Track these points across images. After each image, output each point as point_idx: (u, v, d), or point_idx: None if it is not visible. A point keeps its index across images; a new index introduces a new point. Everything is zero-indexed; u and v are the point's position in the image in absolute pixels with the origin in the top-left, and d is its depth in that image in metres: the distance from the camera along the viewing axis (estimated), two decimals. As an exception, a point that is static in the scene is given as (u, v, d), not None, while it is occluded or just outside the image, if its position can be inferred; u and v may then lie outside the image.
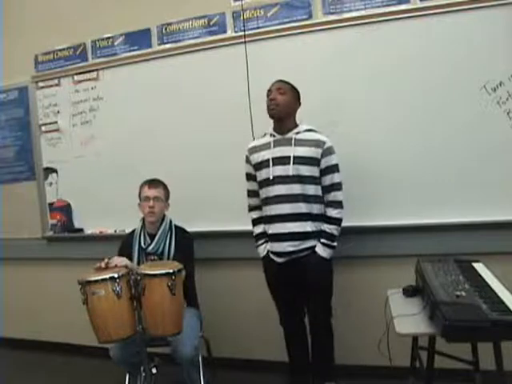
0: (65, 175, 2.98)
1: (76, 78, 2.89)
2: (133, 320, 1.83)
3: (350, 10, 2.29)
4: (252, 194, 2.18)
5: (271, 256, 2.08)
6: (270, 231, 2.07)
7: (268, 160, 2.03)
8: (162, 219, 2.24)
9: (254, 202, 2.18)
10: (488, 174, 2.13)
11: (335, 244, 2.03)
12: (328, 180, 2.02)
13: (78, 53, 2.89)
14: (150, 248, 2.19)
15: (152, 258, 2.20)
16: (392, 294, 1.79)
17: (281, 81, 2.06)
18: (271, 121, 2.08)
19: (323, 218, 2.03)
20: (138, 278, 1.83)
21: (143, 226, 2.26)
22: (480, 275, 1.68)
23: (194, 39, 2.59)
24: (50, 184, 3.03)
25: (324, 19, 2.33)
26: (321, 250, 2.00)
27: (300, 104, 2.08)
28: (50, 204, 3.03)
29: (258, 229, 2.16)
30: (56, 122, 2.96)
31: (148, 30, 2.70)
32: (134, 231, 2.29)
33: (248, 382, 2.51)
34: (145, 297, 1.81)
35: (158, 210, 2.19)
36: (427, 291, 1.55)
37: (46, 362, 2.99)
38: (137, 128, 2.72)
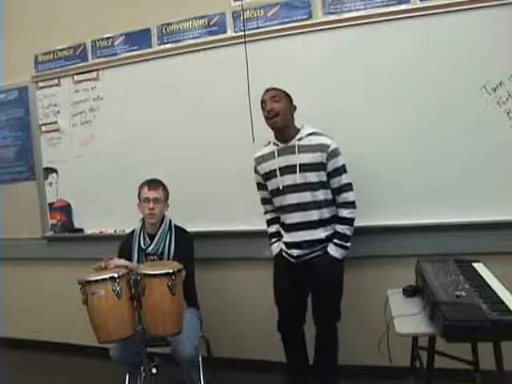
0: (65, 175, 2.98)
1: (76, 77, 2.89)
2: (133, 320, 1.83)
3: (350, 10, 2.29)
4: (265, 201, 2.18)
5: (284, 254, 2.07)
6: (284, 239, 2.07)
7: (275, 170, 2.02)
8: (162, 219, 2.24)
9: (268, 207, 2.18)
10: (488, 174, 2.13)
11: (348, 244, 2.02)
12: (336, 183, 2.00)
13: (78, 53, 2.89)
14: (150, 248, 2.19)
15: (152, 258, 2.20)
16: (392, 294, 1.79)
17: (272, 89, 2.01)
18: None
19: (335, 219, 2.02)
20: (138, 277, 1.84)
21: (143, 227, 2.26)
22: (480, 275, 1.68)
23: (194, 39, 2.59)
24: (50, 184, 3.03)
25: (324, 19, 2.33)
26: (333, 251, 1.99)
27: (295, 107, 2.06)
28: (50, 204, 3.03)
29: (272, 228, 2.16)
30: (56, 122, 2.96)
31: (148, 30, 2.70)
32: (133, 231, 2.29)
33: (248, 382, 2.51)
34: (145, 297, 1.81)
35: (157, 211, 2.19)
36: (427, 291, 1.55)
37: (45, 362, 2.99)
38: (137, 128, 2.72)
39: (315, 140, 2.00)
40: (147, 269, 1.87)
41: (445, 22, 2.14)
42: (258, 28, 2.44)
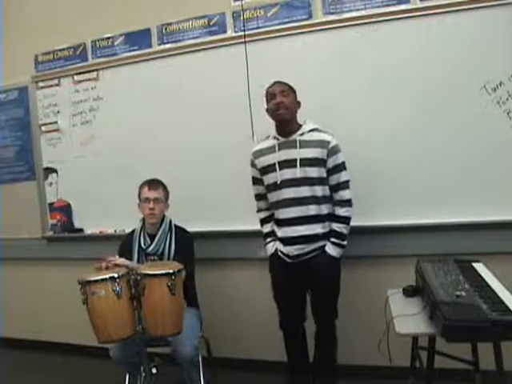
0: (65, 175, 2.98)
1: (76, 77, 2.88)
2: (133, 320, 1.83)
3: (350, 10, 2.29)
4: (259, 197, 2.17)
5: (280, 254, 2.07)
6: (279, 234, 2.06)
7: (274, 164, 2.02)
8: (162, 219, 2.24)
9: (262, 204, 2.17)
10: (488, 174, 2.13)
11: (345, 243, 2.02)
12: (335, 179, 2.01)
13: (78, 53, 2.89)
14: (150, 248, 2.19)
15: (152, 258, 2.20)
16: (392, 294, 1.79)
17: (280, 82, 2.03)
18: (272, 122, 2.07)
19: (332, 217, 2.03)
20: (138, 277, 1.84)
21: (143, 227, 2.26)
22: (480, 275, 1.68)
23: (194, 39, 2.59)
24: (50, 184, 3.03)
25: (324, 19, 2.33)
26: (331, 250, 2.00)
27: (300, 103, 2.07)
28: (50, 204, 3.03)
29: (266, 228, 2.15)
30: (56, 122, 2.96)
31: (148, 30, 2.70)
32: (133, 231, 2.29)
33: (248, 382, 2.51)
34: (145, 297, 1.81)
35: (158, 211, 2.19)
36: (427, 291, 1.56)
37: (45, 362, 2.99)
38: (137, 128, 2.72)
39: (316, 136, 2.01)
40: (147, 269, 1.87)
41: (445, 22, 2.14)
42: (258, 28, 2.44)
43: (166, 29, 2.65)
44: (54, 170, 3.00)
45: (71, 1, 2.87)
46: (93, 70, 2.83)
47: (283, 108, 1.98)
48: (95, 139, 2.86)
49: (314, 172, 1.97)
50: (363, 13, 2.26)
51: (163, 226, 2.23)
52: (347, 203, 2.02)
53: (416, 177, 2.22)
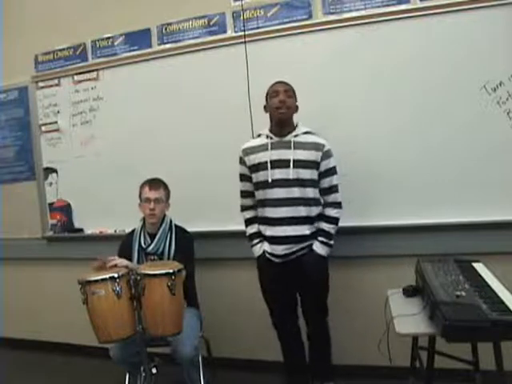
0: (65, 175, 2.97)
1: (76, 77, 2.88)
2: (133, 320, 1.83)
3: (350, 10, 2.29)
4: (246, 194, 2.16)
5: (267, 255, 2.07)
6: (267, 233, 2.06)
7: (266, 162, 2.02)
8: (163, 219, 2.24)
9: (248, 202, 2.17)
10: (488, 174, 2.13)
11: (332, 242, 2.04)
12: (327, 182, 2.02)
13: (78, 53, 2.89)
14: (150, 248, 2.19)
15: (152, 258, 2.20)
16: (392, 294, 1.79)
17: (284, 82, 2.03)
18: (268, 121, 2.07)
19: (320, 217, 2.04)
20: (138, 277, 1.84)
21: (143, 226, 2.26)
22: (480, 275, 1.68)
23: (194, 39, 2.59)
24: (50, 184, 3.03)
25: (324, 19, 2.33)
26: (319, 248, 2.01)
27: (298, 107, 2.07)
28: (50, 204, 3.03)
29: (252, 228, 2.15)
30: (56, 122, 2.96)
31: (148, 30, 2.69)
32: (133, 231, 2.29)
33: (248, 381, 2.51)
34: (145, 297, 1.81)
35: (158, 211, 2.19)
36: (427, 291, 1.56)
37: (45, 362, 2.99)
38: (137, 128, 2.72)
39: (311, 139, 2.02)
40: (147, 269, 1.87)
41: (445, 22, 2.14)
42: (257, 28, 2.44)
43: (165, 29, 2.65)
44: (54, 170, 3.00)
45: (71, 1, 2.87)
46: (93, 70, 2.83)
47: (285, 107, 1.98)
48: (95, 139, 2.86)
49: (306, 174, 1.98)
50: (363, 13, 2.26)
51: (163, 225, 2.23)
52: (339, 205, 2.05)
53: (416, 177, 2.22)
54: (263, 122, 2.11)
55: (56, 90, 2.94)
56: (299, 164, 1.98)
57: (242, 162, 2.13)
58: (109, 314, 1.77)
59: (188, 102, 2.59)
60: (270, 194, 2.02)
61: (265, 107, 2.08)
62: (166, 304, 1.81)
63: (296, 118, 2.08)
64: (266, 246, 2.08)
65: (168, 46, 2.65)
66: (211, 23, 2.56)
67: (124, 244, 2.27)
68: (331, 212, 2.03)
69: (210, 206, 2.57)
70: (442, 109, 2.17)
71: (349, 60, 2.30)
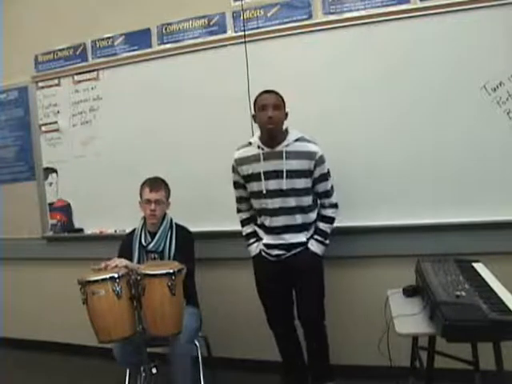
0: (65, 175, 2.97)
1: (76, 77, 2.88)
2: (133, 320, 1.83)
3: (350, 10, 2.29)
4: (241, 200, 2.18)
5: (263, 254, 2.09)
6: (264, 240, 2.08)
7: (259, 173, 2.01)
8: (163, 218, 2.24)
9: (243, 206, 2.19)
10: (488, 174, 2.13)
11: (328, 242, 2.05)
12: (322, 187, 2.03)
13: (77, 53, 2.89)
14: (151, 246, 2.19)
15: (152, 256, 2.21)
16: (392, 294, 1.80)
17: (272, 92, 1.98)
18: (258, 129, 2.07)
19: (318, 217, 2.06)
20: (138, 277, 1.84)
21: (144, 225, 2.26)
22: (480, 275, 1.68)
23: (194, 39, 2.58)
24: (50, 184, 3.02)
25: (324, 19, 2.33)
26: (314, 246, 2.02)
27: (287, 114, 2.02)
28: (50, 204, 3.03)
29: (248, 228, 2.16)
30: (56, 122, 2.96)
31: (148, 30, 2.69)
32: (134, 231, 2.29)
33: (248, 382, 2.51)
34: (145, 297, 1.81)
35: (159, 212, 2.20)
36: (427, 291, 1.56)
37: (45, 361, 2.99)
38: (137, 128, 2.72)
39: (302, 147, 1.99)
40: (147, 269, 1.87)
41: (445, 22, 2.13)
42: (258, 28, 2.44)
43: (166, 29, 2.65)
44: (54, 170, 3.00)
45: (71, 1, 2.87)
46: (93, 70, 2.83)
47: (274, 123, 1.95)
48: (95, 139, 2.85)
49: (300, 183, 1.99)
50: (363, 13, 2.25)
51: (164, 223, 2.23)
52: (335, 206, 2.07)
53: (416, 177, 2.22)
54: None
55: (56, 90, 2.94)
56: (292, 174, 1.98)
57: (234, 170, 2.13)
58: (109, 314, 1.77)
59: (188, 102, 2.59)
60: (266, 203, 2.02)
61: (253, 116, 2.06)
62: (166, 304, 1.81)
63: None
64: (263, 246, 2.09)
65: (168, 45, 2.65)
66: (211, 23, 2.56)
67: (124, 243, 2.27)
68: (328, 212, 2.05)
69: (210, 206, 2.57)
70: (442, 109, 2.17)
71: (349, 60, 2.29)
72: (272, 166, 2.00)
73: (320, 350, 2.14)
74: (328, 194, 2.05)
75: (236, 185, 2.16)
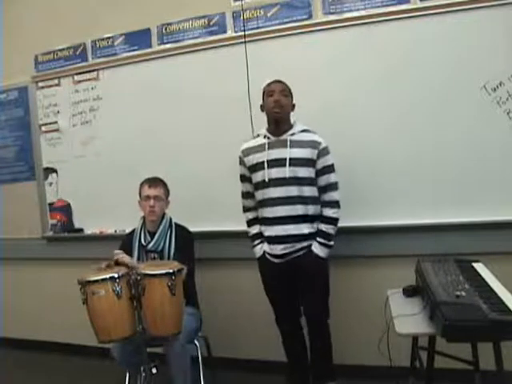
0: (65, 175, 2.98)
1: (76, 77, 2.89)
2: (133, 320, 1.83)
3: (350, 10, 2.29)
4: (247, 195, 2.18)
5: (267, 256, 2.08)
6: (266, 233, 2.07)
7: (263, 162, 2.02)
8: (162, 217, 2.25)
9: (249, 203, 2.17)
10: (488, 174, 2.13)
11: (332, 243, 2.03)
12: (324, 180, 2.02)
13: (77, 53, 2.89)
14: (151, 245, 2.20)
15: (152, 255, 2.21)
16: (392, 294, 1.80)
17: (280, 82, 2.04)
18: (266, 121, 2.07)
19: (319, 218, 2.03)
20: (138, 277, 1.84)
21: (143, 224, 2.26)
22: (480, 275, 1.68)
23: (194, 39, 2.59)
24: (50, 184, 3.03)
25: (324, 19, 2.33)
26: (317, 249, 2.01)
27: (294, 105, 2.08)
28: (50, 204, 3.03)
29: (254, 229, 2.15)
30: (56, 122, 2.96)
31: (148, 30, 2.69)
32: (133, 230, 2.29)
33: (248, 382, 2.51)
34: (145, 297, 1.81)
35: (158, 209, 2.20)
36: (427, 291, 1.56)
37: (45, 361, 2.99)
38: (137, 128, 2.72)
39: (307, 137, 2.02)
40: (147, 269, 1.87)
41: (445, 22, 2.14)
42: (257, 28, 2.44)
43: (166, 29, 2.65)
44: (54, 170, 3.00)
45: (71, 1, 2.87)
46: (93, 70, 2.83)
47: (279, 106, 1.99)
48: (95, 139, 2.86)
49: (303, 172, 1.98)
50: (363, 13, 2.26)
51: (163, 223, 2.23)
52: (336, 205, 2.03)
53: (416, 176, 2.22)
54: (263, 122, 2.12)
55: (56, 90, 2.95)
56: (295, 162, 1.98)
57: (241, 162, 2.14)
58: (109, 314, 1.77)
59: (188, 102, 2.59)
60: (268, 193, 2.02)
61: (261, 106, 2.10)
62: (166, 304, 1.81)
63: (295, 117, 2.08)
64: (266, 247, 2.08)
65: (168, 45, 2.65)
66: (211, 23, 2.56)
67: (124, 243, 2.27)
68: (329, 212, 2.02)
69: (210, 206, 2.57)
70: (442, 109, 2.17)
71: (349, 60, 2.30)
72: (276, 154, 2.01)
73: (323, 349, 2.13)
74: (330, 187, 2.02)
75: (242, 178, 2.16)
